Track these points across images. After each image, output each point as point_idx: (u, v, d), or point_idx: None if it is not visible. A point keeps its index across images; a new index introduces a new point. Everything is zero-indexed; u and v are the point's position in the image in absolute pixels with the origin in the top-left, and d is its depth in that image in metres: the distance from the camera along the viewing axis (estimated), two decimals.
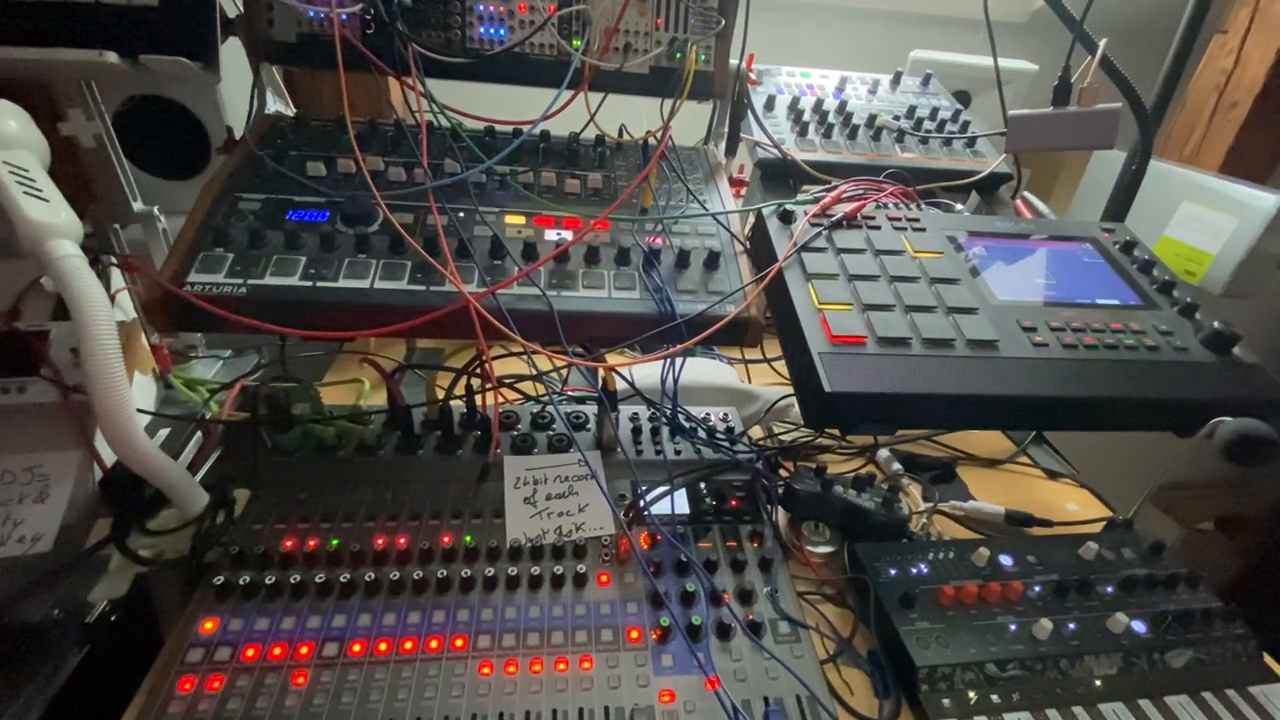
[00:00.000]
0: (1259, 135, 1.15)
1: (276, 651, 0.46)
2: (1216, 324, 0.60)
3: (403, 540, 0.54)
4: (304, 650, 0.46)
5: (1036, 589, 0.59)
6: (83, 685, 0.52)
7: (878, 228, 0.67)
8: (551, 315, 0.54)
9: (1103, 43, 0.72)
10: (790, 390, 0.78)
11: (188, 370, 0.79)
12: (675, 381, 0.60)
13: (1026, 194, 0.81)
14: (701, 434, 0.70)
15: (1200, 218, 1.14)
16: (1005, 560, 0.61)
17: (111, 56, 0.57)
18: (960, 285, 0.61)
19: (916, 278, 0.61)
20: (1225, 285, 1.10)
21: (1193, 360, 0.58)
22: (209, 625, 0.47)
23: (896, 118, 0.87)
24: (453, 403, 0.67)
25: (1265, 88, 1.11)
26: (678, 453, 0.67)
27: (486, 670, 0.47)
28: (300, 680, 0.45)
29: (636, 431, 0.69)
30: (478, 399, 0.67)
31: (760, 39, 0.76)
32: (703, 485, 0.64)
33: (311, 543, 0.54)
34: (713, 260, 0.60)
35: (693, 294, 0.59)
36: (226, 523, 0.56)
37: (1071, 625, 0.56)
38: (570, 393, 0.77)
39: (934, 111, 0.89)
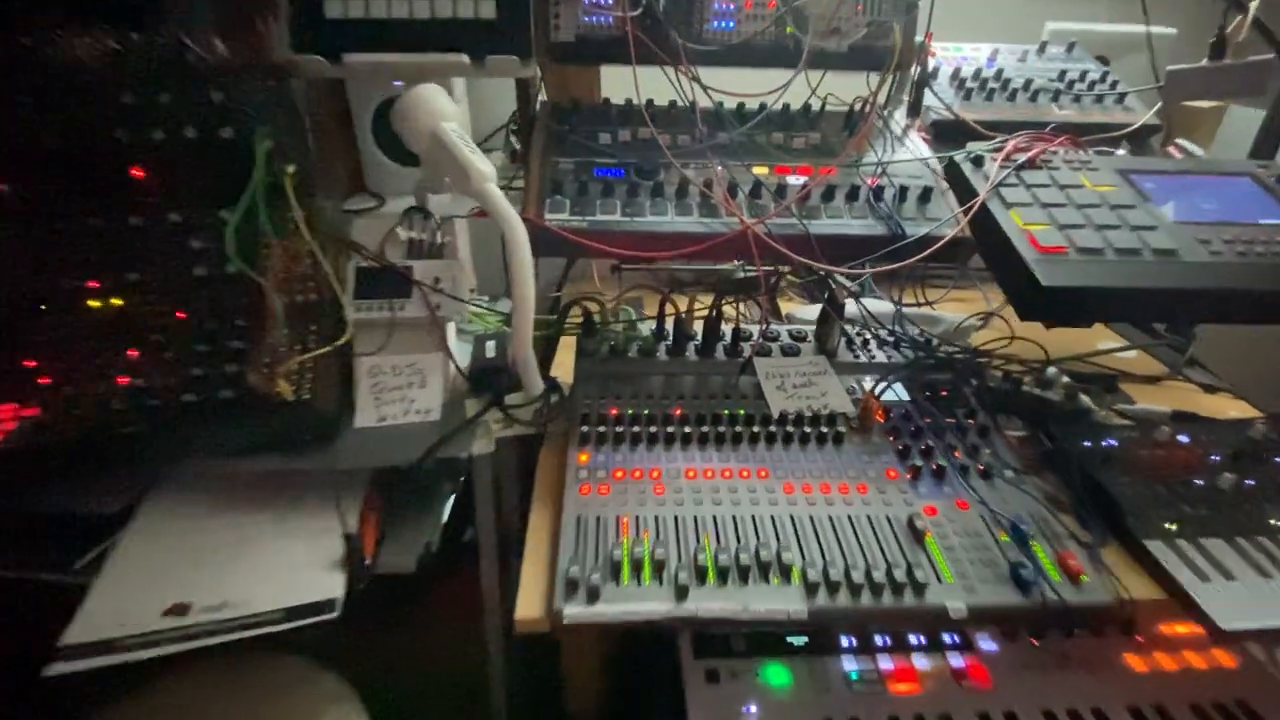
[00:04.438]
0: None
1: (637, 474, 0.64)
2: None
3: (694, 412, 0.72)
4: (655, 473, 0.64)
5: (1215, 457, 0.70)
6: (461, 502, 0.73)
7: (1056, 169, 0.80)
8: (808, 238, 0.71)
9: (1253, 4, 0.82)
10: (968, 314, 0.91)
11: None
12: (901, 293, 0.75)
13: (1180, 140, 0.92)
14: (912, 341, 0.84)
15: None
16: (1183, 438, 0.73)
17: (463, 58, 0.77)
18: (1137, 210, 0.74)
19: (1099, 205, 0.74)
20: None
21: None
22: (583, 458, 0.66)
23: (1051, 80, 0.99)
24: (699, 323, 0.84)
25: None
26: (889, 358, 0.82)
27: (789, 490, 0.63)
28: (660, 491, 0.62)
29: (849, 342, 0.84)
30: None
31: None
32: (916, 381, 0.78)
33: (630, 410, 0.72)
34: (926, 195, 0.75)
35: (913, 220, 0.73)
36: (560, 402, 0.75)
37: (1249, 481, 0.67)
38: (787, 325, 0.94)
39: (1083, 74, 1.00)
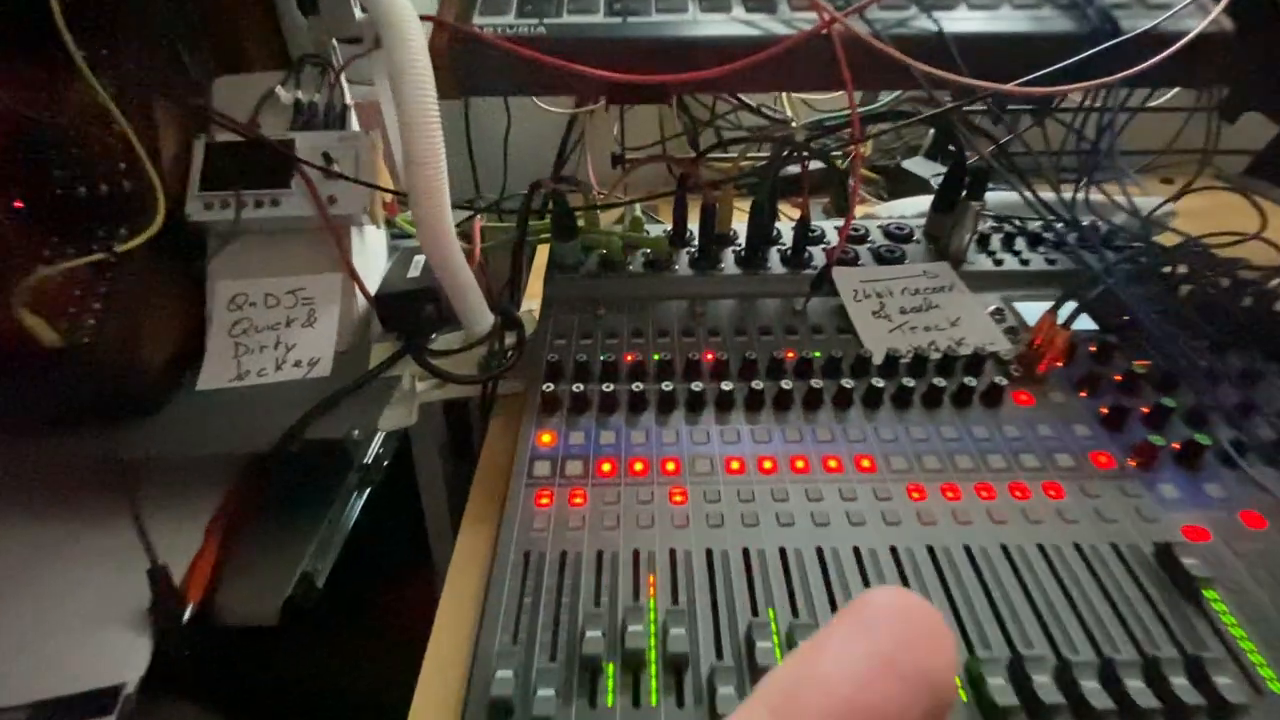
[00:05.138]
0: None
1: (638, 466, 0.36)
2: None
3: (736, 356, 0.43)
4: (671, 466, 0.36)
5: None
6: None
7: None
8: (941, 39, 0.39)
9: None
10: (1163, 198, 0.60)
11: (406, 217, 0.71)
12: (1112, 132, 0.43)
13: None
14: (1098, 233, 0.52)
15: None
16: None
17: None
18: None
19: None
20: None
21: None
22: (546, 438, 0.38)
23: None
24: (738, 223, 0.54)
25: None
26: (1051, 262, 0.51)
27: (917, 495, 0.34)
28: (679, 498, 0.34)
29: (983, 241, 0.53)
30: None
31: None
32: (1102, 302, 0.47)
33: (628, 357, 0.43)
34: None
35: (1125, 9, 0.41)
36: (519, 342, 0.47)
37: None
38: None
39: None
